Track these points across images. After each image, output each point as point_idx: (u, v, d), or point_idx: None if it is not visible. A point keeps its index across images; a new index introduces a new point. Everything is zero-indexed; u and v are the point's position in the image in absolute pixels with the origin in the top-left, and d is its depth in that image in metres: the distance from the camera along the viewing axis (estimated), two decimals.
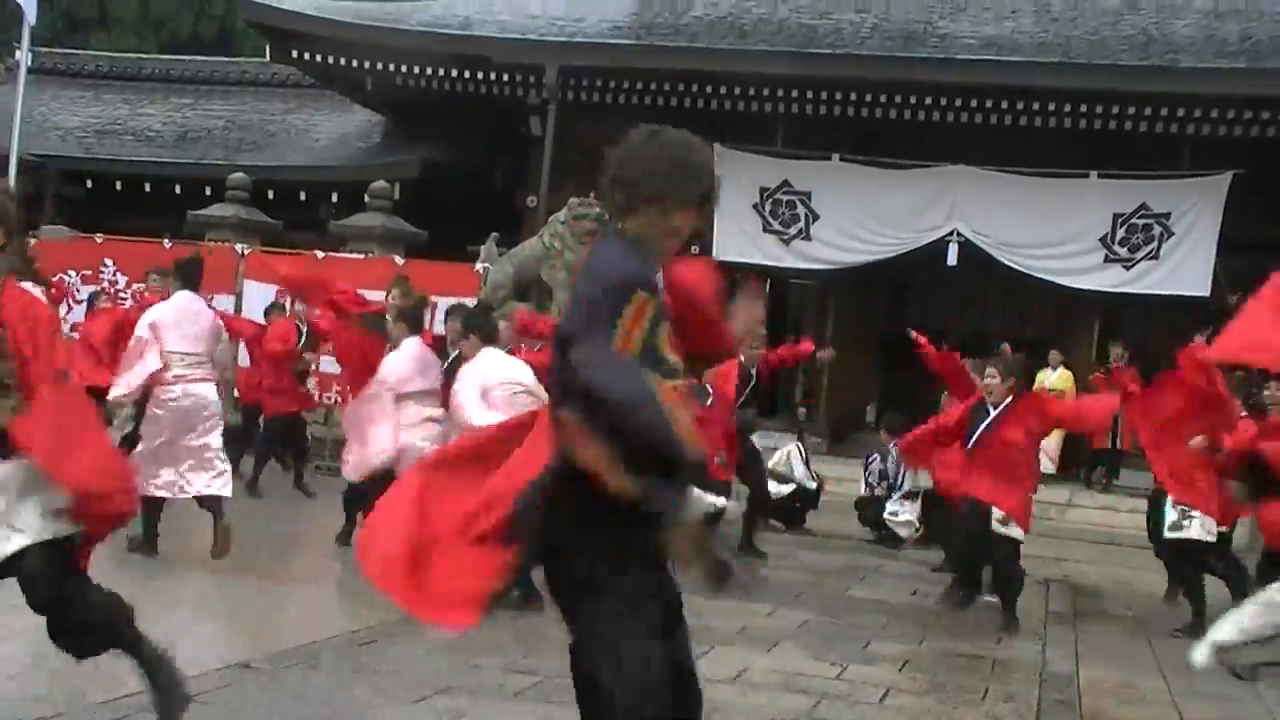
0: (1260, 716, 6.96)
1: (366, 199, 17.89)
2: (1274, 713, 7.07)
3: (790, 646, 7.33)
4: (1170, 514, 9.12)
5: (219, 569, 8.24)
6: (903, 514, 12.72)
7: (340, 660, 6.14)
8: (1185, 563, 9.39)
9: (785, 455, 13.34)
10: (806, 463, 13.47)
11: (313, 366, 14.17)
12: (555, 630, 7.62)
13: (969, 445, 8.89)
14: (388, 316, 9.84)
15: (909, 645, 8.00)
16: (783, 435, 15.35)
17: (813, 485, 13.36)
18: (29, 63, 16.29)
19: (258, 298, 15.22)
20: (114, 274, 15.86)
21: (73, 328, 14.44)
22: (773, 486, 12.18)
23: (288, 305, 13.61)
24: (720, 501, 9.33)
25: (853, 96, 17.05)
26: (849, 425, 18.79)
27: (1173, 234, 17.01)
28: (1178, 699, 7.14)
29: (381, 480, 9.94)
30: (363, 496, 8.38)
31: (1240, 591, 8.53)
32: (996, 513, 8.79)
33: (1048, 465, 16.14)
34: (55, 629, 4.29)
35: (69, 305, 15.46)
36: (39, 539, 4.16)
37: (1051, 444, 15.88)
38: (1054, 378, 17.10)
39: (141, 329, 8.66)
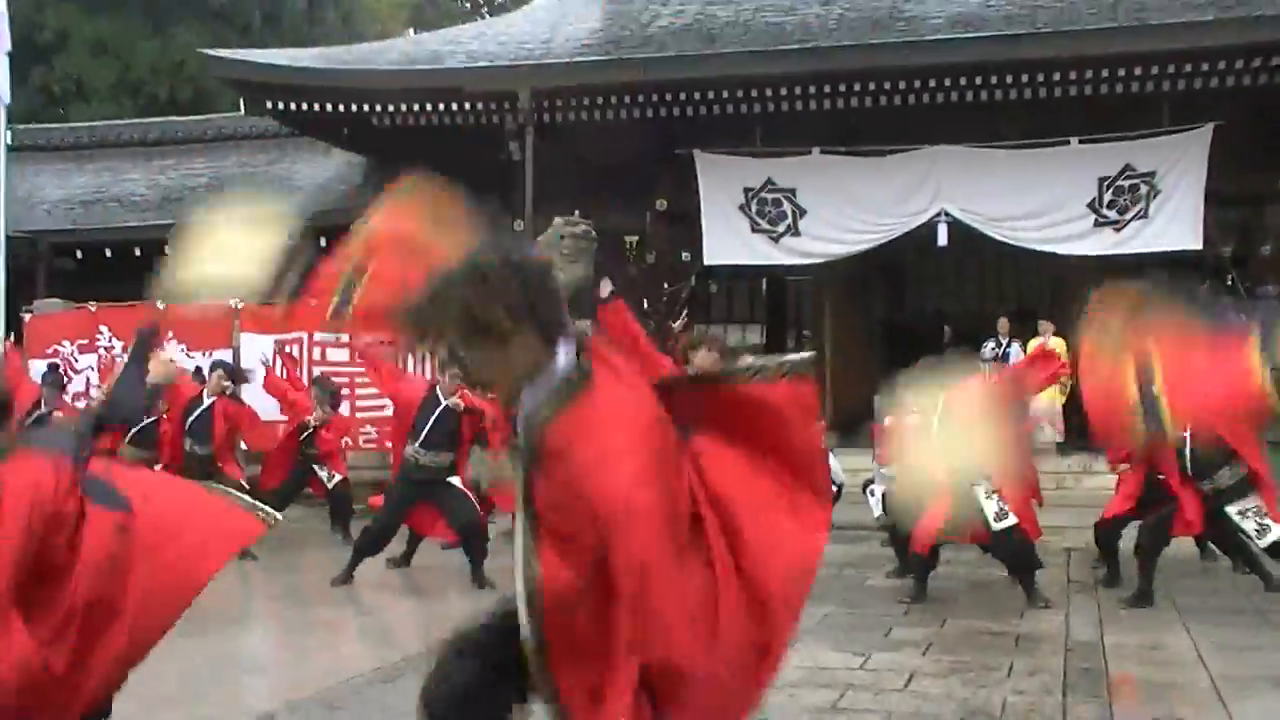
0: None
1: None
2: None
3: (812, 640, 7.28)
4: None
5: (231, 622, 8.25)
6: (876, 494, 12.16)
7: (364, 702, 6.13)
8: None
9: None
10: None
11: None
12: None
13: None
14: None
15: (931, 628, 8.00)
16: None
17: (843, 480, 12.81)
18: (9, 140, 16.35)
19: (255, 350, 15.32)
20: (109, 340, 15.90)
21: (74, 398, 14.52)
22: None
23: None
24: None
25: (826, 89, 17.01)
26: (856, 417, 18.72)
27: (1159, 191, 17.00)
28: (1204, 655, 7.13)
29: None
30: None
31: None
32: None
33: (1054, 435, 16.17)
34: None
35: (68, 376, 15.51)
36: None
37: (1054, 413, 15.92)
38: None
39: None
